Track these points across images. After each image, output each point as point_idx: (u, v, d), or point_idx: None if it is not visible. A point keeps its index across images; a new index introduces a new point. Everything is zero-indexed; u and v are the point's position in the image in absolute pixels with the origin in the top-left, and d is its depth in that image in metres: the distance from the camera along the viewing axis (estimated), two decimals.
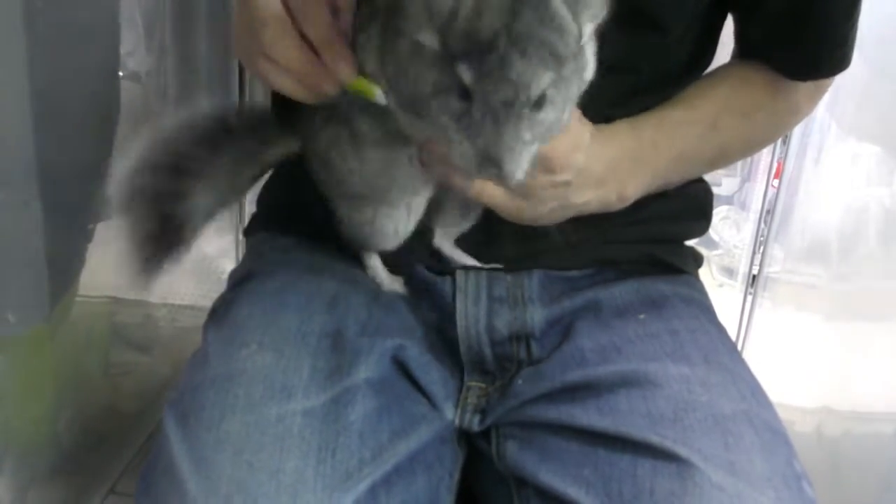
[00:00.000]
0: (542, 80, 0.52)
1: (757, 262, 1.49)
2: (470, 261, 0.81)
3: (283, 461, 0.63)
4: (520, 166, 0.53)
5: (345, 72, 0.62)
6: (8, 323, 0.89)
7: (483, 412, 0.78)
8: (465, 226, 0.81)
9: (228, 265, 1.37)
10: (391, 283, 0.82)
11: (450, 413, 0.77)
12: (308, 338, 0.73)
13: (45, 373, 1.01)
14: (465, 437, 0.79)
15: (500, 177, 0.53)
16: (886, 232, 1.37)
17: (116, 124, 1.03)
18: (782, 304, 1.50)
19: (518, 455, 0.73)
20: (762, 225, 1.47)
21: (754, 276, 1.50)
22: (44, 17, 0.84)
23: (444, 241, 0.82)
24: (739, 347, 1.40)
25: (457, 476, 0.76)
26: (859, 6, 0.77)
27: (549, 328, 0.79)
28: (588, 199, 0.74)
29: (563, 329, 0.79)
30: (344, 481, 0.64)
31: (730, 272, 1.78)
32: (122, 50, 1.04)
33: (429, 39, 0.53)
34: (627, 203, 0.78)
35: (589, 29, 0.54)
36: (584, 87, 0.58)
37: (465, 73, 0.52)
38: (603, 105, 0.64)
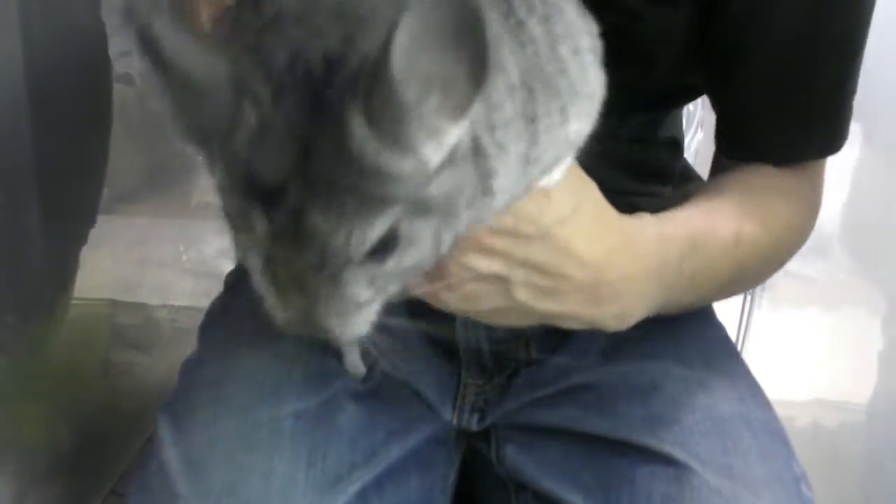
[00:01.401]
0: (370, 230, 0.37)
1: None
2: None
3: (274, 464, 0.63)
4: (352, 329, 0.40)
5: None
6: (7, 324, 0.89)
7: (482, 412, 0.78)
8: None
9: (228, 265, 1.36)
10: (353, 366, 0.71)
11: (447, 413, 0.77)
12: (300, 340, 0.73)
13: (45, 373, 1.01)
14: (463, 439, 0.79)
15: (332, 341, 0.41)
16: (884, 231, 1.37)
17: (110, 126, 1.03)
18: (781, 304, 1.50)
19: (517, 459, 0.73)
20: None
21: None
22: (41, 20, 0.84)
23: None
24: (738, 346, 1.40)
25: (451, 478, 0.76)
26: (856, 78, 0.69)
27: (548, 329, 0.79)
28: (568, 311, 0.57)
29: (562, 330, 0.78)
30: (334, 485, 0.64)
31: None
32: (116, 52, 1.04)
33: (197, 152, 0.38)
34: (625, 327, 0.61)
35: (453, 135, 0.37)
36: (495, 198, 0.43)
37: (259, 223, 0.37)
38: None
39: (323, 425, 0.67)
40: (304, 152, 0.36)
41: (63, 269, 1.00)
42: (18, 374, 0.95)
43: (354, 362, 0.68)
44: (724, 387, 0.72)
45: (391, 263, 0.39)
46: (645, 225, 0.60)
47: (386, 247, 0.38)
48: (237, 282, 0.84)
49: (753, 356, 0.81)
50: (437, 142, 0.37)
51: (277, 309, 0.40)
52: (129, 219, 1.14)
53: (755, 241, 0.67)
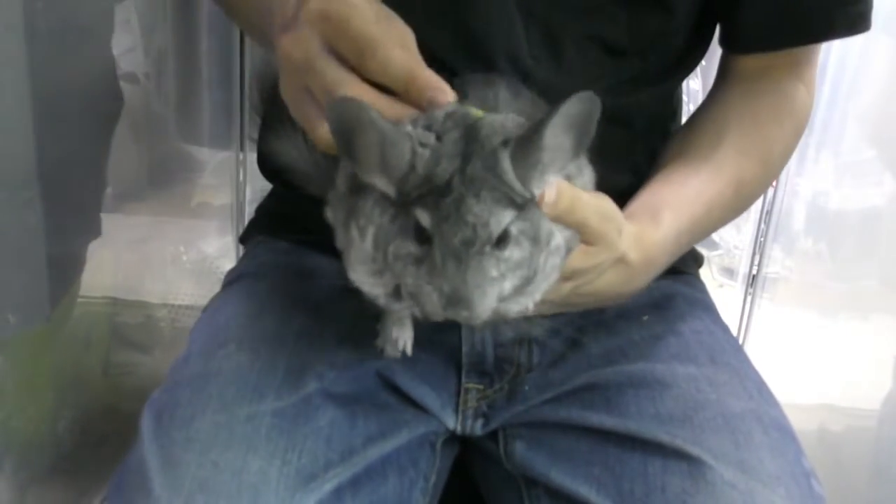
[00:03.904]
0: (501, 219, 0.51)
1: (757, 262, 1.49)
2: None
3: (248, 461, 0.63)
4: (488, 305, 0.52)
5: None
6: (8, 324, 0.88)
7: (485, 417, 0.77)
8: None
9: (228, 265, 1.36)
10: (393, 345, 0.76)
11: (450, 421, 0.77)
12: (285, 339, 0.73)
13: (45, 373, 1.01)
14: (456, 441, 0.78)
15: (468, 318, 0.52)
16: (884, 232, 1.38)
17: (116, 125, 1.03)
18: (782, 305, 1.50)
19: (527, 454, 0.73)
20: (762, 225, 1.47)
21: (754, 277, 1.50)
22: (44, 18, 0.84)
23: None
24: None
25: (434, 479, 0.75)
26: None
27: (553, 334, 0.79)
28: (613, 292, 0.68)
29: (568, 337, 0.78)
30: (307, 482, 0.64)
31: (730, 272, 1.78)
32: (120, 51, 1.04)
33: (385, 187, 0.54)
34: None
35: (551, 184, 0.54)
36: (557, 255, 0.56)
37: (423, 217, 0.52)
38: (602, 94, 0.59)
39: (301, 424, 0.67)
40: (464, 162, 0.52)
41: (65, 269, 1.00)
42: (18, 374, 0.95)
43: (393, 342, 0.74)
44: (732, 383, 0.72)
45: (506, 253, 0.52)
46: (664, 233, 0.70)
47: (504, 240, 0.52)
48: (232, 281, 0.84)
49: (754, 358, 0.81)
50: (534, 191, 0.53)
51: (430, 293, 0.52)
52: (131, 217, 1.14)
53: (753, 179, 0.78)
